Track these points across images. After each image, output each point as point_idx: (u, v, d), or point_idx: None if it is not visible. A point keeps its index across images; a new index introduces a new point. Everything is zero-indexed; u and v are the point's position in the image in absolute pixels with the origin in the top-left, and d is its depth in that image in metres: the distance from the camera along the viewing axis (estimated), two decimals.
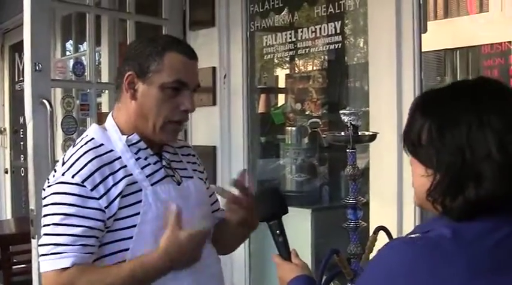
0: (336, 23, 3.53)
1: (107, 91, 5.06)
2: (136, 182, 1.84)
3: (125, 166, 1.85)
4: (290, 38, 3.85)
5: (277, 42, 3.97)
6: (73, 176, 1.77)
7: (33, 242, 3.14)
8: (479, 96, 1.32)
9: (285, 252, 1.82)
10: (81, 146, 1.86)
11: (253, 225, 2.05)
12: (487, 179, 1.25)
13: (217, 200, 2.19)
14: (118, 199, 1.79)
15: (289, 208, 1.92)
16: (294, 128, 4.45)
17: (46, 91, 3.25)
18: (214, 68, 4.04)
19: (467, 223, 1.28)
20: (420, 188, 1.35)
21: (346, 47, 4.16)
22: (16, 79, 7.30)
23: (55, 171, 1.85)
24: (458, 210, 1.28)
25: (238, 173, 2.01)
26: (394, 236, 2.15)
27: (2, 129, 7.47)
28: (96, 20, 3.88)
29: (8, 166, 7.40)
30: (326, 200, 4.33)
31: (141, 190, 1.84)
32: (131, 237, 1.80)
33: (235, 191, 1.95)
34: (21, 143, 7.01)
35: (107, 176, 1.79)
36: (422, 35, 2.94)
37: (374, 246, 2.12)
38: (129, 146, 1.88)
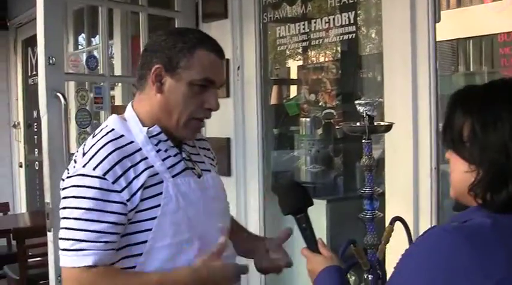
0: (349, 13, 3.50)
1: (120, 84, 5.07)
2: (158, 174, 1.82)
3: (146, 157, 1.83)
4: (303, 29, 3.83)
5: (290, 33, 3.95)
6: (94, 169, 1.74)
7: (49, 235, 3.14)
8: None
9: (313, 245, 1.80)
10: (102, 137, 1.84)
11: None
12: None
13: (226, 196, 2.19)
14: (140, 191, 1.77)
15: None
16: (308, 119, 4.43)
17: (60, 85, 3.25)
18: (227, 60, 4.02)
19: (507, 214, 1.33)
20: (461, 183, 1.40)
21: (359, 37, 4.13)
22: (29, 74, 7.33)
23: (75, 162, 1.82)
24: (501, 204, 1.32)
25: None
26: (411, 227, 2.14)
27: (16, 123, 7.50)
28: (109, 13, 3.88)
29: (22, 160, 7.44)
30: (341, 191, 4.33)
31: (162, 182, 1.82)
32: (150, 229, 1.78)
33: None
34: (35, 137, 7.05)
35: (128, 169, 1.77)
36: (436, 24, 2.92)
37: (390, 237, 2.11)
38: (149, 137, 1.87)
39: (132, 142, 1.85)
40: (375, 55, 4.04)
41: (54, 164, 3.16)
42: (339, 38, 3.70)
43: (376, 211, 2.23)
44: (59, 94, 3.18)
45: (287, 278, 4.02)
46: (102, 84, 3.75)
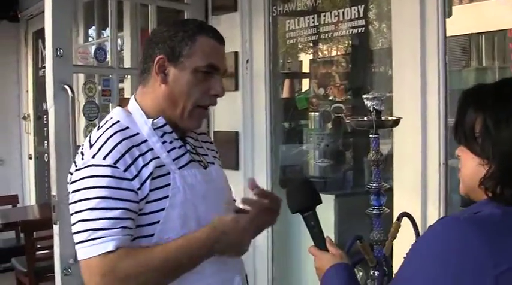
0: (359, 6, 3.47)
1: (129, 77, 5.06)
2: (164, 165, 1.82)
3: (152, 149, 1.82)
4: (313, 22, 3.80)
5: (299, 27, 3.92)
6: (104, 158, 1.74)
7: (55, 227, 3.14)
8: None
9: (321, 243, 1.79)
10: (107, 128, 1.83)
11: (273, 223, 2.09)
12: None
13: (231, 189, 2.18)
14: (149, 180, 1.76)
15: None
16: (317, 113, 4.41)
17: (67, 77, 3.24)
18: (236, 53, 4.03)
19: None
20: (471, 178, 1.44)
21: (369, 31, 4.10)
22: (39, 66, 7.33)
23: (82, 154, 1.80)
24: (511, 196, 1.37)
25: (249, 183, 2.03)
26: (418, 223, 2.12)
27: (26, 115, 7.52)
28: (118, 6, 3.86)
29: (32, 152, 7.45)
30: (350, 186, 4.31)
31: (168, 174, 1.81)
32: (158, 222, 1.78)
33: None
34: (45, 129, 7.06)
35: (137, 158, 1.77)
36: (447, 19, 2.89)
37: (398, 232, 2.10)
38: (154, 129, 1.86)
39: (137, 133, 1.84)
40: (385, 49, 4.00)
41: (60, 156, 3.16)
42: (349, 31, 3.67)
43: (383, 207, 2.22)
44: (66, 86, 3.17)
45: (295, 278, 4.03)
46: (110, 76, 3.74)
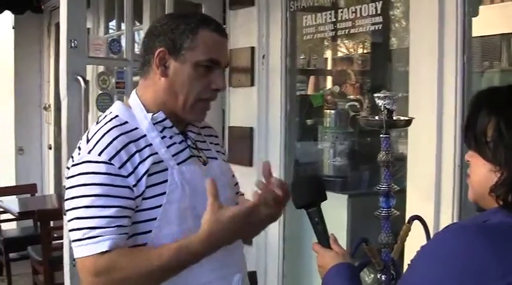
0: (377, 3, 3.41)
1: None
2: (162, 161, 1.79)
3: (150, 144, 1.80)
4: (330, 18, 3.76)
5: (317, 23, 3.87)
6: (99, 154, 1.72)
7: (65, 218, 3.13)
8: None
9: (325, 240, 1.76)
10: (105, 123, 1.82)
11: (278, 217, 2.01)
12: None
13: (237, 183, 2.15)
14: (145, 177, 1.74)
15: None
16: (332, 111, 4.38)
17: (81, 68, 3.25)
18: (253, 48, 4.01)
19: None
20: (481, 184, 1.39)
21: (387, 29, 4.05)
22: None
23: (79, 149, 1.80)
24: None
25: (263, 168, 1.91)
26: (430, 227, 2.08)
27: (47, 106, 7.56)
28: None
29: (52, 142, 7.49)
30: (364, 186, 4.26)
31: (166, 170, 1.79)
32: (155, 219, 1.75)
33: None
34: None
35: (134, 154, 1.75)
36: (474, 19, 2.85)
37: (407, 236, 2.05)
38: (154, 124, 1.84)
39: (136, 128, 1.82)
40: (403, 48, 3.95)
41: (72, 148, 3.12)
42: (367, 28, 3.61)
43: (393, 209, 2.17)
44: (79, 77, 3.17)
45: (306, 275, 3.99)
46: (125, 68, 3.73)
